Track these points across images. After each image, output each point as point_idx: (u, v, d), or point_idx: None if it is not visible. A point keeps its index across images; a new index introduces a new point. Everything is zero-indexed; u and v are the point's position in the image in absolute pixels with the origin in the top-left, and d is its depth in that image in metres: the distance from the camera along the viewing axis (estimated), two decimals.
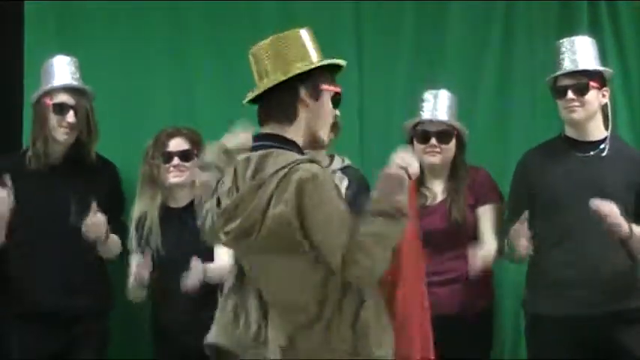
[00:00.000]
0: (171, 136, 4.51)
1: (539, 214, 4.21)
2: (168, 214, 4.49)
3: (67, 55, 4.56)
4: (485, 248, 4.34)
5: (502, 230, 4.35)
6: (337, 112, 3.25)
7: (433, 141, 4.42)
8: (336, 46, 4.88)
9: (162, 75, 4.97)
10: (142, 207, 4.49)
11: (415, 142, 4.46)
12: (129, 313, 4.67)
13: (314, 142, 3.22)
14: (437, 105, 4.46)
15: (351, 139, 4.87)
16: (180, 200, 4.51)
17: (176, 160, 4.46)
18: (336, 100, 3.23)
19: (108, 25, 4.98)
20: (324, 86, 3.19)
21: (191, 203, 4.43)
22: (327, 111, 3.20)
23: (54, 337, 4.40)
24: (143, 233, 4.47)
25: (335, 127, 4.49)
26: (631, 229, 4.01)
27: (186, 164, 4.48)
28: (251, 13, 4.96)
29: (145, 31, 5.00)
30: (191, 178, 4.41)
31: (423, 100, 4.49)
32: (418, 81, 4.66)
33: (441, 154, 4.43)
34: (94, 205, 4.23)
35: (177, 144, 4.49)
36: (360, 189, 4.33)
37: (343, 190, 4.28)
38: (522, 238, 4.08)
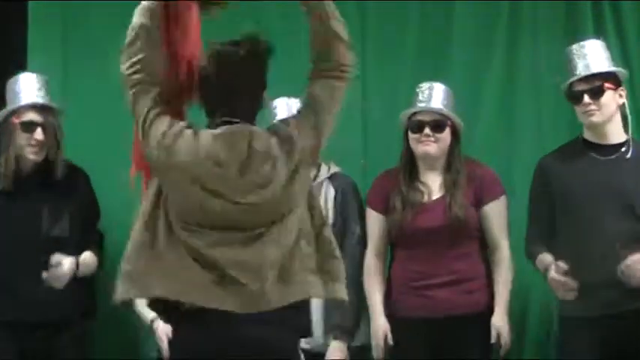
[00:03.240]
0: None
1: (561, 219, 4.22)
2: None
3: (36, 74, 4.55)
4: (499, 324, 4.32)
5: (527, 241, 4.34)
6: None
7: (427, 130, 4.39)
8: None
9: None
10: None
11: (410, 133, 4.44)
12: (115, 317, 4.65)
13: None
14: (431, 96, 4.45)
15: (354, 137, 4.88)
16: None
17: None
18: None
19: (112, 26, 4.95)
20: None
21: None
22: None
23: (34, 346, 4.39)
24: None
25: None
26: None
27: None
28: (253, 11, 4.93)
29: None
30: None
31: (418, 92, 4.48)
32: (422, 80, 4.59)
33: (436, 144, 4.40)
34: (56, 257, 4.26)
35: None
36: (345, 198, 4.44)
37: (331, 201, 4.32)
38: (567, 291, 4.11)
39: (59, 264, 4.28)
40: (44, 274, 4.27)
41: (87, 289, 4.52)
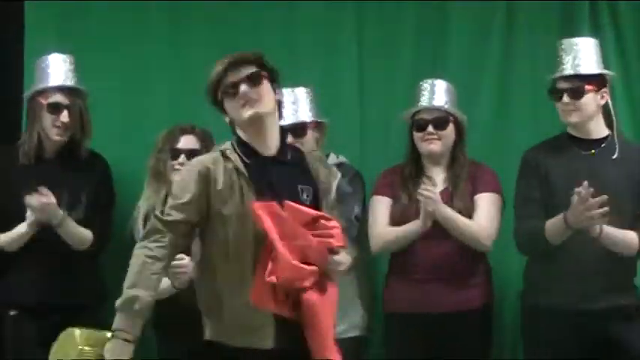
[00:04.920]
0: (184, 132, 4.49)
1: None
2: None
3: (64, 53, 4.57)
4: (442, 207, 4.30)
5: (521, 220, 4.29)
6: None
7: (430, 128, 4.42)
8: (337, 44, 4.94)
9: (162, 74, 4.96)
10: (149, 201, 4.47)
11: (414, 132, 4.47)
12: None
13: None
14: (433, 93, 4.47)
15: (352, 136, 4.90)
16: None
17: (182, 158, 4.42)
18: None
19: (108, 25, 4.97)
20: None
21: None
22: None
23: (51, 330, 4.36)
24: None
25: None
26: (601, 229, 4.03)
27: None
28: (253, 12, 4.95)
29: (145, 30, 5.00)
30: None
31: (420, 90, 4.50)
32: (419, 80, 4.60)
33: (440, 141, 4.42)
34: (43, 188, 4.27)
35: (187, 141, 4.46)
36: (351, 184, 4.46)
37: (335, 185, 4.33)
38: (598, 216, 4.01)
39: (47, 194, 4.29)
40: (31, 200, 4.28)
41: (98, 273, 4.56)
